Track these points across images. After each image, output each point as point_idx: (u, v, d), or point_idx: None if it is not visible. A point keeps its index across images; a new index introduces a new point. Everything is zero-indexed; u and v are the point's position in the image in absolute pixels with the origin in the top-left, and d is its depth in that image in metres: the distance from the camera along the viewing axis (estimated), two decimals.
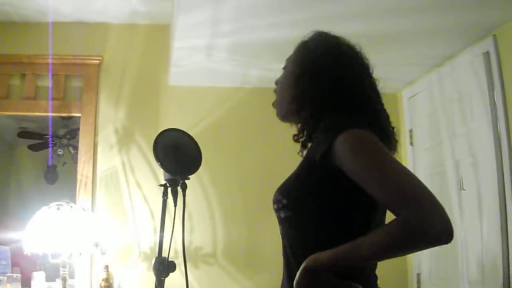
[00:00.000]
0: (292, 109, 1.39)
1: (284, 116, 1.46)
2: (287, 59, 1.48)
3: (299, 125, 1.44)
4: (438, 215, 1.03)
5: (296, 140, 1.45)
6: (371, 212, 1.22)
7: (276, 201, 1.29)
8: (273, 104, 1.50)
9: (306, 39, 1.45)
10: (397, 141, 1.38)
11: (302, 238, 1.25)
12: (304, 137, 1.40)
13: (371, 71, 1.40)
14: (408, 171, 1.12)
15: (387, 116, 1.38)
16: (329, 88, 1.32)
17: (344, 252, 1.09)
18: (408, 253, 1.17)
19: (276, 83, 1.50)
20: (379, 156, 1.15)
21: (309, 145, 1.38)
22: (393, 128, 1.38)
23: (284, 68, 1.48)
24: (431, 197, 1.05)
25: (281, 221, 1.31)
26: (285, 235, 1.31)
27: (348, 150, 1.16)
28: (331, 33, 1.43)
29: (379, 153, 1.16)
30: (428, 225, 1.02)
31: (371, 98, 1.36)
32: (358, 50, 1.41)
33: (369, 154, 1.15)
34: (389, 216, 1.21)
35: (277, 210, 1.29)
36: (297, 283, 1.11)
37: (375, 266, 1.30)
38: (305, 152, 1.39)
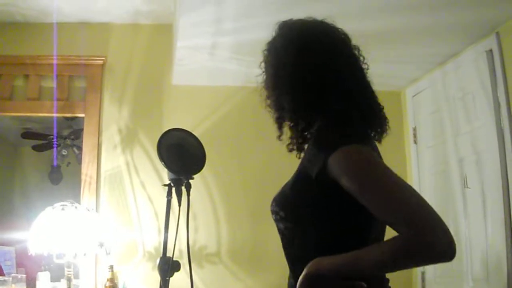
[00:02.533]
0: (282, 107, 1.36)
1: (279, 116, 1.41)
2: (264, 61, 1.43)
3: (291, 126, 1.39)
4: (442, 231, 1.01)
5: (291, 150, 1.41)
6: (370, 223, 1.20)
7: (273, 212, 1.29)
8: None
9: (277, 33, 1.43)
10: (385, 131, 1.35)
11: (302, 249, 1.25)
12: (298, 139, 1.37)
13: (359, 58, 1.36)
14: (407, 185, 1.10)
15: (380, 106, 1.35)
16: (317, 77, 1.28)
17: (346, 263, 1.09)
18: (410, 268, 1.16)
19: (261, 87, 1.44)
20: (376, 174, 1.11)
21: (305, 147, 1.36)
22: (386, 119, 1.35)
23: (265, 70, 1.42)
24: (433, 213, 1.03)
25: (280, 231, 1.31)
26: (285, 245, 1.31)
27: (344, 168, 1.13)
28: (294, 19, 1.42)
29: (376, 170, 1.12)
30: (432, 242, 1.00)
31: (366, 87, 1.34)
32: (340, 32, 1.39)
33: (366, 173, 1.12)
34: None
35: (276, 221, 1.30)
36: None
37: None
38: (301, 155, 1.37)
